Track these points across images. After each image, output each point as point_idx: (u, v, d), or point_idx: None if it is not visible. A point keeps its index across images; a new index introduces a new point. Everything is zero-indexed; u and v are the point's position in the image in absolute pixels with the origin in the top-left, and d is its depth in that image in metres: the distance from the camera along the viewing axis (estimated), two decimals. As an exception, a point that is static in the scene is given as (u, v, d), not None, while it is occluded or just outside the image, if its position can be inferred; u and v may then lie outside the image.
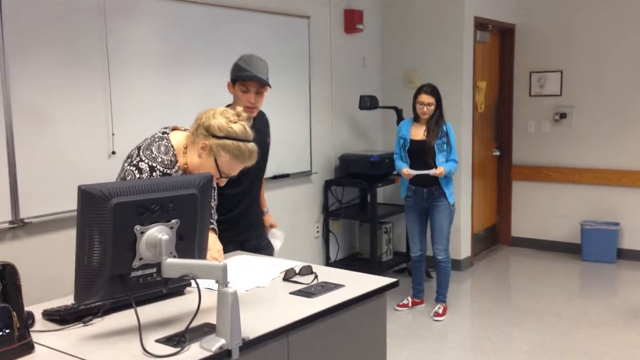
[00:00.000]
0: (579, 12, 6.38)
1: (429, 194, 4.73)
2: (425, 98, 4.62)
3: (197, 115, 2.34)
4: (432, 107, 4.62)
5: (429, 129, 4.66)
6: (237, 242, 3.06)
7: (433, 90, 4.65)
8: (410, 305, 5.04)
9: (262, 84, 2.96)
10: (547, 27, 6.57)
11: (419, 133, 4.71)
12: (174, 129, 2.43)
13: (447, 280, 4.95)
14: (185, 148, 2.34)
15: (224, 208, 2.99)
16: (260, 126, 3.17)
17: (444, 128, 4.67)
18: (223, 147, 2.23)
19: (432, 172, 4.59)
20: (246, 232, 3.16)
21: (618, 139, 6.30)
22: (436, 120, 4.65)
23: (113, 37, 3.78)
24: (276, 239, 3.38)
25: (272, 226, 3.42)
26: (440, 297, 4.94)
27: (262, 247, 3.26)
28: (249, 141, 2.27)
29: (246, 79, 2.93)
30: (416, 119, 4.76)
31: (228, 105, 3.01)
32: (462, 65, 5.92)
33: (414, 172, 4.65)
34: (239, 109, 2.32)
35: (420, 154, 4.67)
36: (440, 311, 4.87)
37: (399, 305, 5.04)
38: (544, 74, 6.63)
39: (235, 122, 2.25)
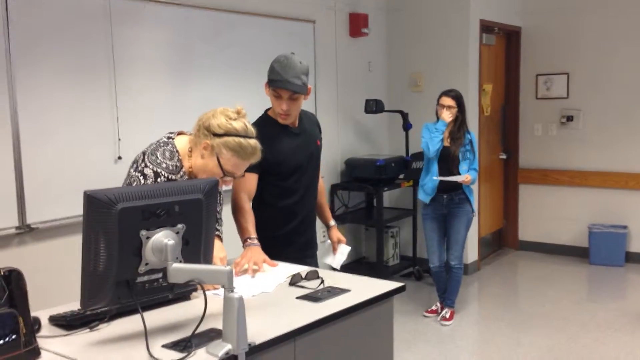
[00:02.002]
0: (585, 15, 6.36)
1: (449, 200, 4.71)
2: (446, 100, 4.61)
3: (198, 117, 2.33)
4: (454, 112, 4.59)
5: (452, 137, 4.65)
6: (298, 259, 2.80)
7: (455, 95, 4.63)
8: (439, 310, 4.96)
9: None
10: (553, 29, 6.56)
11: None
12: (180, 133, 2.43)
13: (458, 286, 4.91)
14: (190, 151, 2.33)
15: (280, 222, 2.84)
16: (308, 127, 2.97)
17: (468, 136, 4.67)
18: (225, 145, 2.22)
19: (460, 179, 4.57)
20: (304, 250, 2.96)
21: (625, 142, 6.27)
22: (459, 127, 4.64)
23: (119, 43, 3.79)
24: (342, 254, 3.12)
25: (340, 241, 3.11)
26: (449, 302, 4.91)
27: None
28: (250, 137, 2.25)
29: (276, 86, 2.70)
30: None
31: (267, 110, 2.89)
32: (468, 68, 5.91)
33: (443, 178, 4.59)
34: (239, 106, 2.29)
35: (443, 160, 4.64)
36: (448, 315, 4.85)
37: (427, 312, 5.01)
38: (550, 76, 6.61)
39: (236, 119, 2.24)
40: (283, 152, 2.78)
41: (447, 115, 4.58)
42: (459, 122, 4.64)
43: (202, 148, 2.26)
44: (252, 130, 2.27)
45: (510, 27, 6.60)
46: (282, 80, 2.68)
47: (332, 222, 3.15)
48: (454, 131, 4.65)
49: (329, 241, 3.14)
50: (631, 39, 6.16)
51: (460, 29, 5.91)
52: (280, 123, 2.82)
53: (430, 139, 4.63)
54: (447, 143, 4.66)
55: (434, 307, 5.04)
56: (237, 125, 2.23)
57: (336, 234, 3.13)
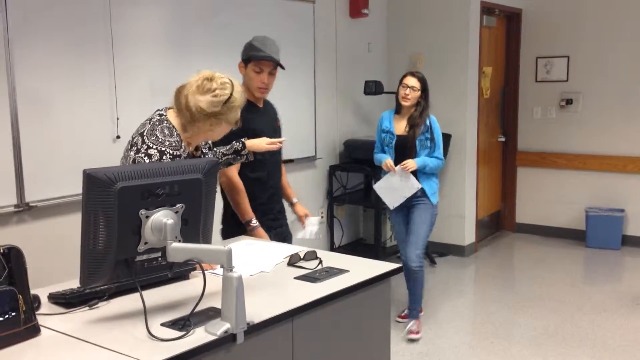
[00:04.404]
0: (587, -3, 6.34)
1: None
2: (410, 80, 4.10)
3: (175, 104, 2.33)
4: (416, 95, 4.09)
5: (411, 123, 4.12)
6: (274, 227, 3.12)
7: (421, 77, 4.13)
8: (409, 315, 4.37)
9: (275, 65, 2.98)
10: (553, 12, 6.52)
11: (400, 127, 4.18)
12: (170, 108, 2.42)
13: (421, 290, 4.33)
14: (184, 126, 2.34)
15: (253, 194, 3.02)
16: (270, 111, 3.23)
17: (427, 122, 4.12)
18: (228, 111, 2.28)
19: (398, 168, 4.07)
20: (279, 219, 3.20)
21: (624, 125, 6.27)
22: (420, 114, 4.10)
23: (117, 22, 3.76)
24: (313, 225, 3.32)
25: (306, 215, 3.34)
26: (414, 313, 4.30)
27: (289, 236, 3.28)
28: (233, 87, 2.28)
29: (261, 58, 2.94)
30: (397, 110, 4.24)
31: None
32: (468, 50, 5.88)
33: (378, 183, 4.22)
34: (205, 72, 2.30)
35: (401, 150, 4.15)
36: (415, 328, 4.22)
37: (400, 317, 4.49)
38: (550, 59, 6.59)
39: (215, 88, 2.26)
40: (254, 125, 2.98)
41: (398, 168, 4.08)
42: (421, 108, 4.11)
43: (208, 125, 2.30)
44: (227, 79, 2.30)
45: (511, 9, 6.56)
46: (266, 55, 2.93)
47: (295, 199, 3.36)
48: (414, 117, 4.12)
49: (294, 217, 3.36)
50: (632, 23, 6.12)
51: (460, 11, 5.87)
52: (251, 100, 3.02)
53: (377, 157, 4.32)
54: (404, 131, 4.16)
55: (405, 312, 4.46)
56: (220, 91, 2.26)
57: (301, 209, 3.36)
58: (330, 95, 5.64)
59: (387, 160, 4.16)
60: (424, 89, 4.13)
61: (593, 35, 6.33)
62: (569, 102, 6.51)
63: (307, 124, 5.36)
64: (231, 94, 2.27)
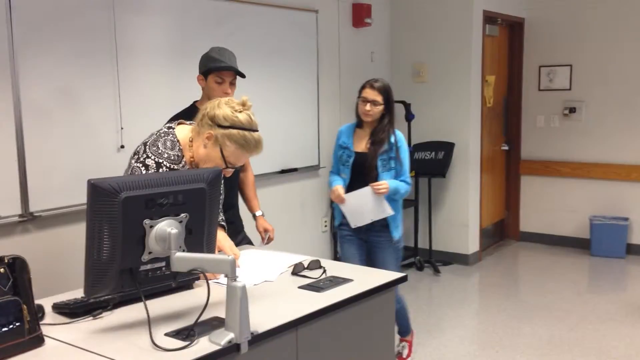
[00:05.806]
0: (589, 6, 6.33)
1: (369, 225, 3.56)
2: (369, 93, 3.47)
3: (202, 106, 2.33)
4: (378, 109, 3.48)
5: (373, 140, 3.52)
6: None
7: (382, 87, 3.49)
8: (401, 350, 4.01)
9: (235, 75, 2.98)
10: (556, 20, 6.53)
11: (360, 144, 3.57)
12: (180, 123, 2.43)
13: (406, 314, 3.91)
14: (191, 141, 2.33)
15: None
16: None
17: (392, 139, 3.52)
18: (229, 136, 2.21)
19: (366, 190, 3.43)
20: (237, 234, 3.13)
21: (627, 134, 6.26)
22: (383, 129, 3.50)
23: (122, 32, 3.78)
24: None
25: (266, 230, 3.31)
26: (401, 331, 3.96)
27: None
28: (254, 130, 2.25)
29: (222, 69, 2.93)
30: (359, 124, 3.62)
31: (196, 101, 3.08)
32: (471, 59, 5.89)
33: (345, 196, 3.47)
34: (244, 97, 2.30)
35: (359, 171, 3.53)
36: (405, 352, 3.94)
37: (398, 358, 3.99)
38: (553, 68, 6.59)
39: (241, 112, 2.23)
40: None
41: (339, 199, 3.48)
42: (386, 122, 3.52)
43: (205, 138, 2.24)
44: (256, 123, 2.27)
45: (514, 18, 6.58)
46: (226, 64, 2.94)
47: (259, 212, 3.35)
48: (377, 131, 3.52)
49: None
50: (635, 31, 6.13)
51: (463, 20, 5.89)
52: None
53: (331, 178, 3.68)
54: (364, 148, 3.54)
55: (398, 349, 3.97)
56: (242, 117, 2.22)
57: (261, 224, 3.34)
58: (334, 105, 5.65)
59: (335, 187, 3.51)
60: (387, 100, 3.51)
61: (596, 44, 6.34)
62: (572, 110, 6.51)
63: (310, 133, 5.37)
64: (244, 128, 2.20)
